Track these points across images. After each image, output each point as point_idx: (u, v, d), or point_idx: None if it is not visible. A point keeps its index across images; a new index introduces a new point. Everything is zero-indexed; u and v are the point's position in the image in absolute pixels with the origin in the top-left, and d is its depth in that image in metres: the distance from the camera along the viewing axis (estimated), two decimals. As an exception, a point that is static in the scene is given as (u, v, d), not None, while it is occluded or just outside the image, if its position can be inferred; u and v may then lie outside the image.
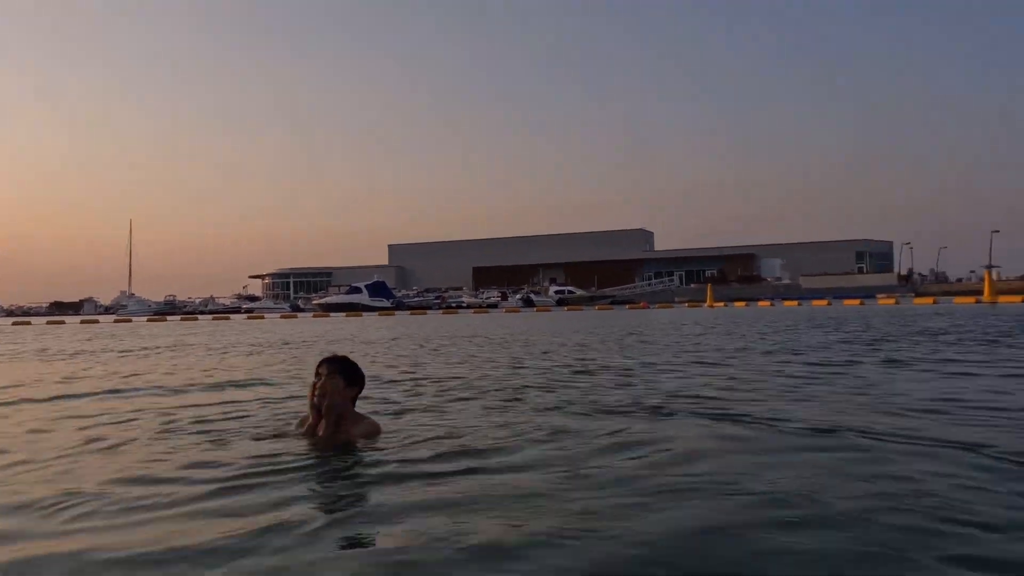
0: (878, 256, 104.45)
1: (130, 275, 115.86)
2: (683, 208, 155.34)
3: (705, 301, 57.59)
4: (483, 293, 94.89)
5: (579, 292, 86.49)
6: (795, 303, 52.18)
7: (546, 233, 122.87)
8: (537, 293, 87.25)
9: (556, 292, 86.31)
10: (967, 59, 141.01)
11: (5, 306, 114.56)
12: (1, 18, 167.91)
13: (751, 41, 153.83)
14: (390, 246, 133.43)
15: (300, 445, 3.96)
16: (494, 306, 76.08)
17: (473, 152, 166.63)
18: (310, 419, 4.11)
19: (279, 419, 4.98)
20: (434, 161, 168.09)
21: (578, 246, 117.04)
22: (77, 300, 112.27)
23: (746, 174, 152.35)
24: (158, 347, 15.81)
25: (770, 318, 25.12)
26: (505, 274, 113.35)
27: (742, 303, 58.19)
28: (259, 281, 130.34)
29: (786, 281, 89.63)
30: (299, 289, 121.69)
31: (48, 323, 49.63)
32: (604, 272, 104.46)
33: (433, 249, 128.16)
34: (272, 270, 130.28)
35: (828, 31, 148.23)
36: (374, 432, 4.16)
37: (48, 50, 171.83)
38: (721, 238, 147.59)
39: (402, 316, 50.22)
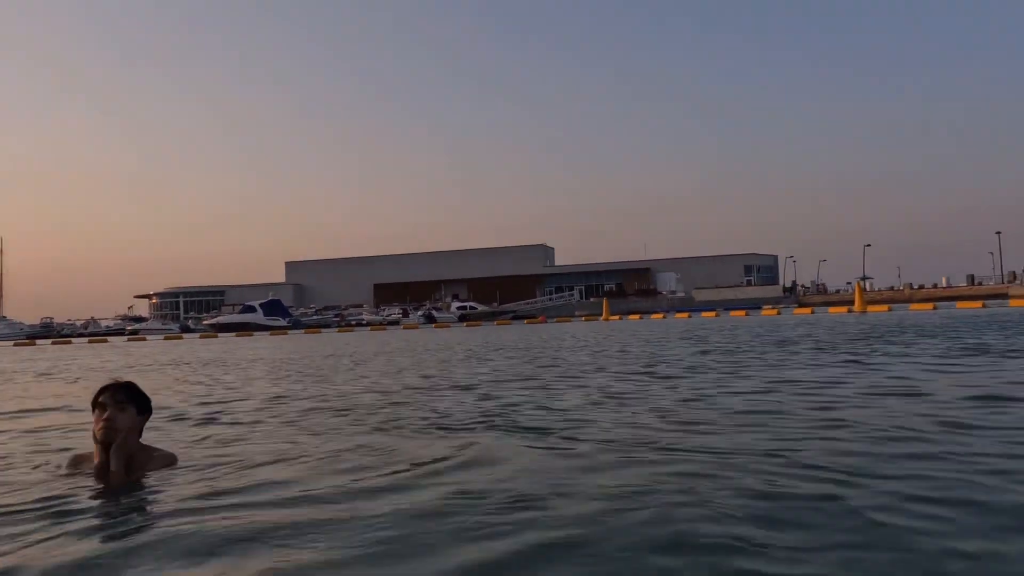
0: (765, 269, 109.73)
1: (1, 296, 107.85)
2: (583, 224, 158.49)
3: (602, 315, 58.74)
4: (384, 310, 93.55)
5: (481, 308, 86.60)
6: (686, 315, 53.95)
7: (448, 249, 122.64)
8: (439, 309, 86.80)
9: (458, 308, 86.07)
10: (840, 72, 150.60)
11: None
12: None
13: (633, 55, 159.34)
14: (287, 263, 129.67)
15: (91, 488, 3.40)
16: (395, 323, 75.11)
17: (372, 167, 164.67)
18: (95, 457, 3.58)
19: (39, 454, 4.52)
20: (333, 176, 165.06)
21: (480, 262, 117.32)
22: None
23: (643, 189, 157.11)
24: None
25: (646, 331, 25.79)
26: (407, 291, 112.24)
27: (637, 316, 59.70)
28: (146, 301, 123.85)
29: (680, 294, 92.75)
30: (190, 309, 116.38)
31: None
32: (506, 287, 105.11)
33: (333, 266, 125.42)
34: (160, 289, 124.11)
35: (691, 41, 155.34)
36: (170, 464, 3.80)
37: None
38: (620, 253, 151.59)
39: (296, 335, 48.73)
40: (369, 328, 61.38)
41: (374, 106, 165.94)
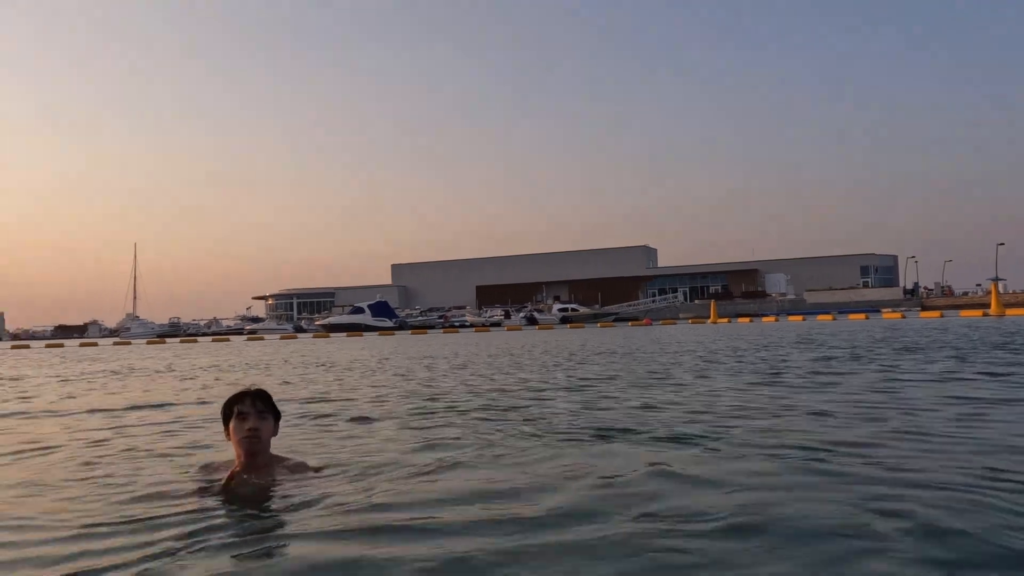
0: (883, 270, 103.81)
1: (135, 298, 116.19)
2: (686, 225, 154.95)
3: (709, 317, 57.11)
4: (486, 312, 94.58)
5: (583, 310, 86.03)
6: (800, 318, 51.65)
7: (550, 251, 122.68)
8: (540, 311, 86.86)
9: (560, 310, 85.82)
10: (972, 70, 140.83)
11: (11, 330, 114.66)
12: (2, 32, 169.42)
13: (754, 55, 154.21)
14: (393, 266, 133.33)
15: (230, 500, 3.21)
16: (497, 324, 75.75)
17: (476, 170, 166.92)
18: (237, 467, 3.43)
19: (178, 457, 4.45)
20: (437, 180, 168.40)
21: (582, 264, 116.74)
22: (82, 323, 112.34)
23: (750, 189, 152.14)
24: (117, 371, 15.49)
25: (761, 334, 24.71)
26: (508, 292, 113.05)
27: (746, 319, 57.70)
28: (263, 302, 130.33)
29: (791, 296, 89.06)
30: (303, 310, 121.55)
31: (47, 346, 49.44)
32: (608, 289, 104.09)
33: (436, 268, 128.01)
34: (276, 291, 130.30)
35: (834, 41, 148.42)
36: (302, 471, 3.63)
37: (49, 69, 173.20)
38: (725, 254, 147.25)
39: (403, 336, 49.89)
40: (473, 329, 62.08)
41: (479, 111, 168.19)
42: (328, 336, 56.92)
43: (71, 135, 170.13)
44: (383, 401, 7.49)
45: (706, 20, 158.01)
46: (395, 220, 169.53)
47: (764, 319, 55.20)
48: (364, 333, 60.70)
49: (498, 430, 5.14)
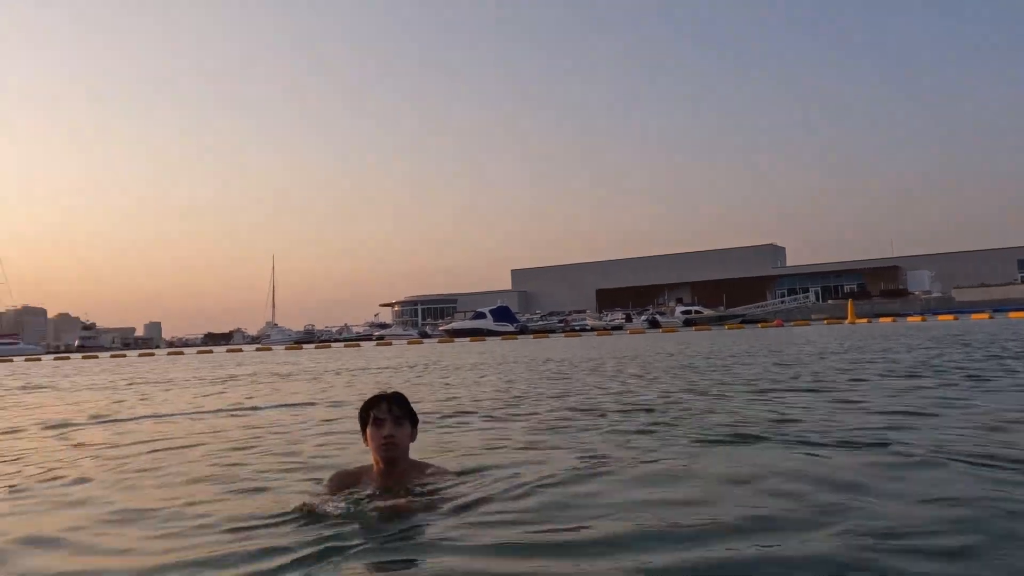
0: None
1: (273, 307, 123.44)
2: (816, 221, 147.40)
3: (846, 318, 53.86)
4: (607, 315, 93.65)
5: (707, 312, 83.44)
6: (951, 317, 47.70)
7: (671, 252, 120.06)
8: (663, 314, 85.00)
9: (683, 312, 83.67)
10: None
11: (168, 338, 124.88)
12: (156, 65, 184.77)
13: (889, 38, 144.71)
14: (513, 271, 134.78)
15: (368, 513, 2.95)
16: (618, 328, 74.77)
17: (595, 173, 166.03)
18: (375, 477, 3.28)
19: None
20: (556, 184, 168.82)
21: (705, 265, 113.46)
22: (228, 331, 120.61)
23: (885, 179, 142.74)
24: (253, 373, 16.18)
25: (911, 336, 22.85)
26: (629, 295, 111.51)
27: (889, 318, 53.95)
28: (389, 309, 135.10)
29: (937, 294, 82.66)
30: (427, 316, 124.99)
31: (198, 352, 53.24)
32: (733, 290, 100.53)
33: (556, 273, 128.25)
34: (401, 298, 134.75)
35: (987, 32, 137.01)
36: (444, 479, 3.40)
37: (194, 98, 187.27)
38: (860, 251, 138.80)
39: (526, 340, 50.10)
40: (595, 333, 61.54)
41: (596, 115, 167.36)
42: (452, 341, 58.08)
43: (213, 158, 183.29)
44: (519, 401, 7.33)
45: (847, 16, 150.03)
46: (514, 226, 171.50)
47: (909, 319, 51.40)
48: (486, 338, 61.51)
49: (647, 431, 4.84)
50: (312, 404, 8.39)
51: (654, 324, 75.20)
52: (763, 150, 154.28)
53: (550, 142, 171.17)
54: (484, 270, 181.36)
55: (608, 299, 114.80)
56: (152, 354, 55.85)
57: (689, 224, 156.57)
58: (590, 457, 4.07)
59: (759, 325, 59.60)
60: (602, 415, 6.02)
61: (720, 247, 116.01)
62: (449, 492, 3.23)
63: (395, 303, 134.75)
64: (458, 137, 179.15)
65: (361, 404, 3.36)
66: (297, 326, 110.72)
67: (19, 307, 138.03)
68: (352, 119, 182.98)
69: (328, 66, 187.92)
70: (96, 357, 50.38)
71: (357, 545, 2.54)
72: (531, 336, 61.81)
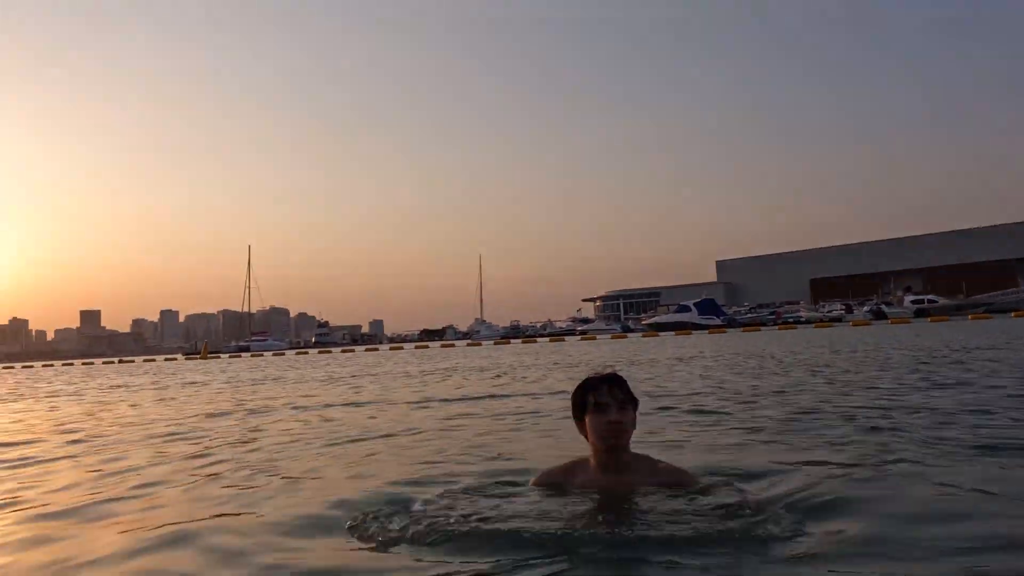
0: None
1: (481, 304, 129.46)
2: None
3: None
4: (823, 306, 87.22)
5: (943, 301, 74.84)
6: None
7: (897, 236, 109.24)
8: (889, 304, 77.51)
9: (913, 302, 75.74)
10: None
11: (388, 334, 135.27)
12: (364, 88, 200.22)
13: None
14: (718, 262, 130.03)
15: (603, 503, 2.78)
16: (837, 320, 69.30)
17: (804, 152, 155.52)
18: (592, 464, 2.99)
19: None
20: (760, 169, 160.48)
21: (937, 249, 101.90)
22: (440, 327, 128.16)
23: None
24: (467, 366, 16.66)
25: None
26: (847, 285, 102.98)
27: None
28: (591, 304, 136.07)
29: None
30: (628, 310, 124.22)
31: (416, 347, 56.95)
32: (974, 277, 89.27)
33: (764, 263, 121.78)
34: (603, 293, 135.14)
35: None
36: (686, 484, 2.98)
37: (409, 111, 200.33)
38: None
39: (735, 333, 47.96)
40: (812, 326, 57.49)
41: (800, 102, 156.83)
42: (657, 335, 57.09)
43: (425, 168, 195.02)
44: (754, 399, 6.84)
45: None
46: (718, 216, 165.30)
47: None
48: (692, 331, 59.77)
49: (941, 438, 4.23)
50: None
51: (879, 315, 68.82)
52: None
53: (748, 132, 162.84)
54: (687, 263, 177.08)
55: (823, 289, 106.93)
56: (376, 349, 60.65)
57: (920, 203, 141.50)
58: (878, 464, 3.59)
59: (1013, 315, 52.32)
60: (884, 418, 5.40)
61: (957, 228, 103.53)
62: (689, 490, 2.90)
63: (597, 298, 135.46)
64: (659, 131, 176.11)
65: (575, 388, 3.03)
66: (503, 322, 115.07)
67: (267, 308, 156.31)
68: (557, 124, 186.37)
69: (530, 79, 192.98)
70: (329, 352, 55.66)
71: (585, 547, 2.34)
72: (740, 329, 59.08)
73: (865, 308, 76.05)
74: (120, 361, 68.43)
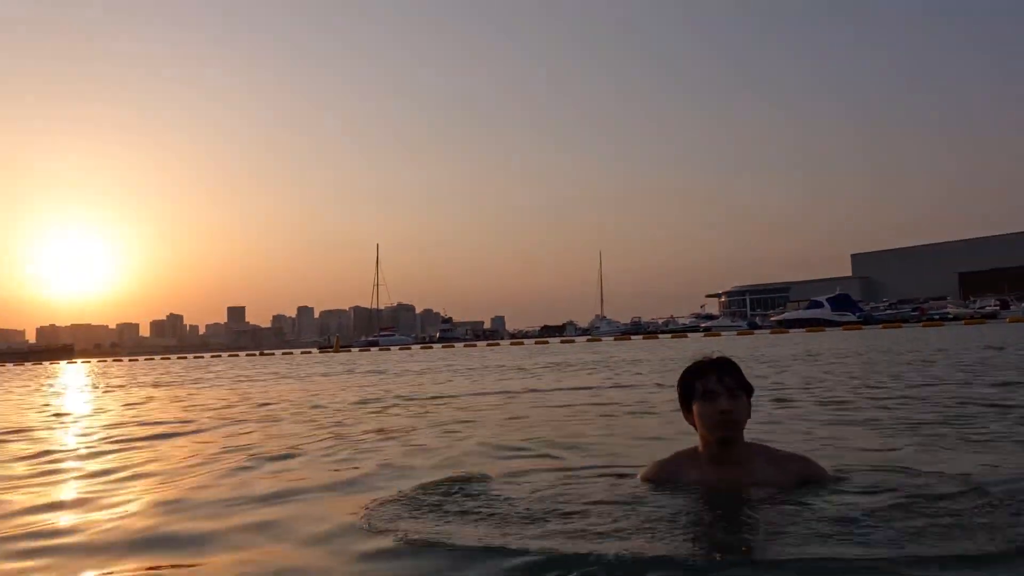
0: None
1: (602, 300, 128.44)
2: None
3: None
4: (973, 302, 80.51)
5: (1119, 295, 67.28)
6: None
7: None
8: (1052, 299, 70.53)
9: (1083, 296, 68.59)
10: None
11: (509, 329, 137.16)
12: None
13: None
14: (853, 256, 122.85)
15: (703, 514, 2.51)
16: (991, 316, 63.71)
17: (946, 138, 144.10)
18: (703, 463, 2.77)
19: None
20: (900, 158, 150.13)
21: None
22: (560, 324, 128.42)
23: None
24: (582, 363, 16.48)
25: None
26: (1003, 278, 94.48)
27: None
28: (715, 300, 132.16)
29: None
30: (755, 306, 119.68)
31: (536, 343, 57.35)
32: None
33: (905, 255, 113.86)
34: (727, 288, 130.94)
35: None
36: (814, 475, 2.76)
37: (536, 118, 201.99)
38: None
39: (873, 330, 45.12)
40: (962, 323, 53.19)
41: (945, 83, 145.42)
42: (787, 332, 54.64)
43: (542, 165, 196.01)
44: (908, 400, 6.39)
45: None
46: (853, 207, 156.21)
47: None
48: (825, 328, 56.78)
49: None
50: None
51: (1041, 311, 62.76)
52: None
53: (885, 115, 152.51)
54: (819, 256, 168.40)
55: (974, 283, 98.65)
56: (498, 344, 61.62)
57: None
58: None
59: None
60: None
61: None
62: (816, 485, 2.67)
63: (722, 293, 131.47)
64: (787, 119, 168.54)
65: (680, 374, 2.82)
66: (624, 318, 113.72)
67: (394, 304, 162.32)
68: (679, 115, 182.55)
69: (649, 70, 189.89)
70: (452, 347, 57.08)
71: (694, 546, 2.16)
72: (879, 326, 55.54)
73: (1024, 303, 69.63)
74: (261, 354, 73.25)
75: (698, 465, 2.76)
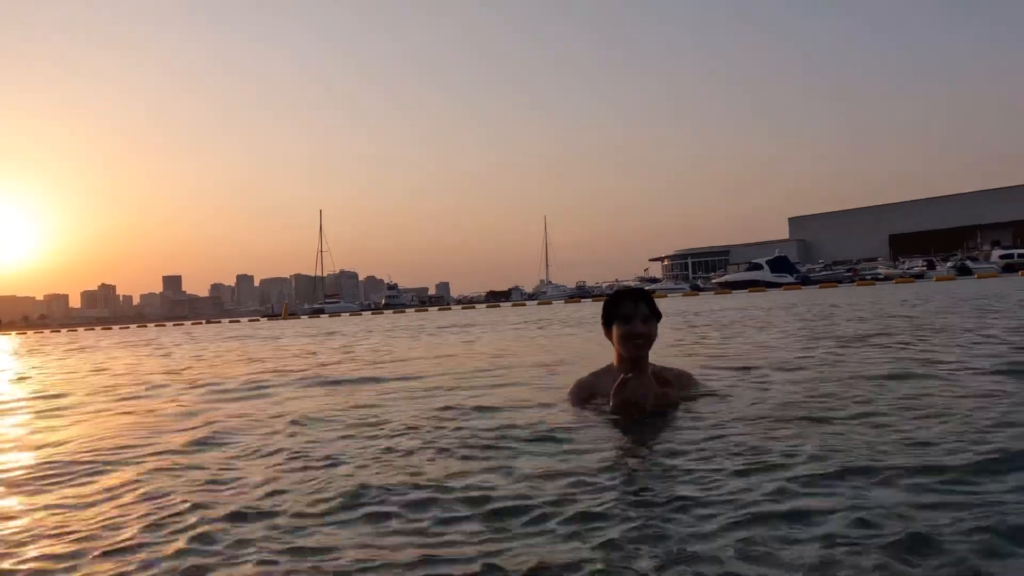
0: None
1: (547, 265, 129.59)
2: None
3: None
4: (903, 263, 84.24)
5: (1035, 254, 71.25)
6: None
7: (982, 188, 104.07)
8: (975, 259, 74.37)
9: (1002, 256, 72.45)
10: None
11: (455, 295, 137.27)
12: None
13: None
14: (791, 219, 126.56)
15: (625, 426, 2.99)
16: (919, 276, 66.96)
17: (871, 105, 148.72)
18: (616, 370, 3.28)
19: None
20: (831, 124, 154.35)
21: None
22: (506, 289, 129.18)
23: None
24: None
25: None
26: (928, 240, 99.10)
27: None
28: (658, 263, 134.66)
29: None
30: (697, 269, 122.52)
31: (487, 307, 57.89)
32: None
33: (840, 218, 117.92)
34: (670, 252, 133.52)
35: None
36: (691, 384, 3.53)
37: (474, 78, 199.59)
38: None
39: (812, 291, 47.08)
40: (892, 282, 55.85)
41: (875, 42, 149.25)
42: (729, 293, 56.49)
43: (487, 131, 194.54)
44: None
45: None
46: (790, 171, 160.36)
47: None
48: (765, 289, 58.86)
49: None
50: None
51: (964, 271, 66.11)
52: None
53: (818, 78, 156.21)
54: (758, 220, 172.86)
55: (903, 245, 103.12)
56: (449, 309, 61.96)
57: (1006, 151, 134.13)
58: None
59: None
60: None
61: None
62: (695, 397, 3.43)
63: (665, 257, 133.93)
64: (723, 82, 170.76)
65: (605, 300, 3.41)
66: (569, 283, 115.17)
67: (338, 271, 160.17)
68: (620, 79, 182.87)
69: (594, 34, 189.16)
70: (404, 312, 57.15)
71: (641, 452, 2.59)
72: (816, 287, 57.89)
73: (949, 264, 73.16)
74: (207, 321, 71.83)
75: (613, 377, 3.21)
